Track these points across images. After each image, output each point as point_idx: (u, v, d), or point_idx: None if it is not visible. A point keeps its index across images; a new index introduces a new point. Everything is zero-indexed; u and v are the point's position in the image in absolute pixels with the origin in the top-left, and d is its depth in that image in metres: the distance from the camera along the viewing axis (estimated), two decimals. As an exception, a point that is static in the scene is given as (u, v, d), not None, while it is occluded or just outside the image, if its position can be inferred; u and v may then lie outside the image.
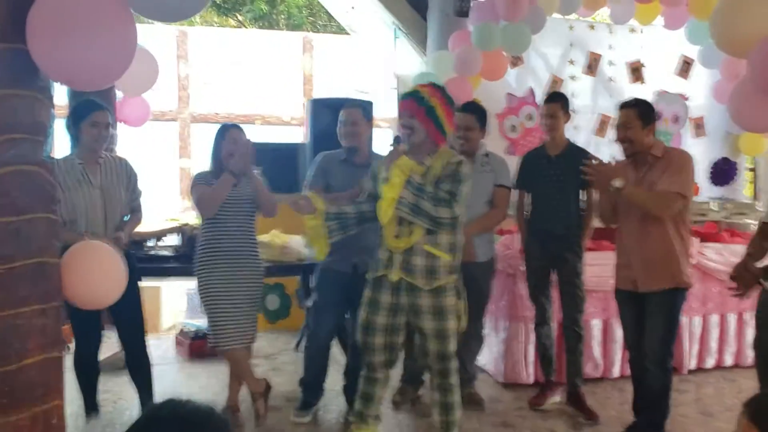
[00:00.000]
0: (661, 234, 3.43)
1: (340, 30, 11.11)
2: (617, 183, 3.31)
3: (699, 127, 6.16)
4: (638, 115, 3.44)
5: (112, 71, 1.90)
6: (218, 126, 3.76)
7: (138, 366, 3.68)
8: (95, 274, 2.04)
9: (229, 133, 3.61)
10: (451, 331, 3.10)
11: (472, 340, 4.19)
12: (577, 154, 4.12)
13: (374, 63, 7.89)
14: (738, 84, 2.93)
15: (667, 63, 6.08)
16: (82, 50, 1.81)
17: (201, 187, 3.57)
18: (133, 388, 3.69)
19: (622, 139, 3.50)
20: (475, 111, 4.06)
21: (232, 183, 3.50)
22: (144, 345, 3.70)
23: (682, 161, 3.43)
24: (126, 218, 3.62)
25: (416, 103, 3.04)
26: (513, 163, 4.32)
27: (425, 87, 3.12)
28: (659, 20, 5.68)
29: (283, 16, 15.41)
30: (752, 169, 6.53)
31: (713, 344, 4.87)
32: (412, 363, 4.16)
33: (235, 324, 3.56)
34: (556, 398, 4.18)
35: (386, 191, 3.04)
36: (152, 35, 10.35)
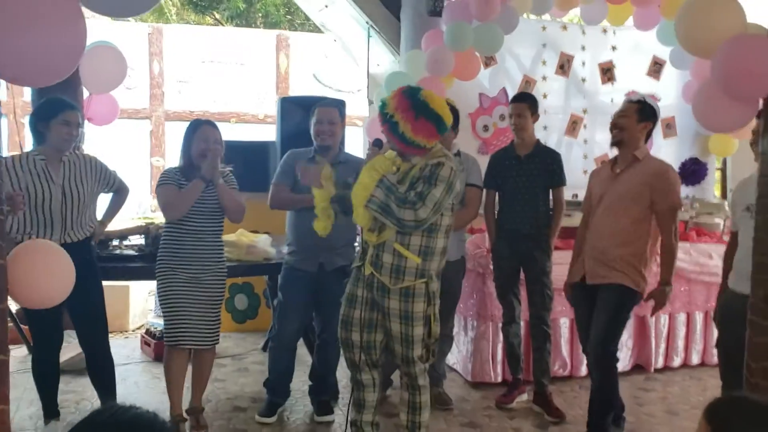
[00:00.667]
0: (632, 236, 3.46)
1: (317, 29, 11.07)
2: (668, 289, 3.45)
3: (669, 127, 6.20)
4: (636, 110, 3.53)
5: (59, 68, 1.85)
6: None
7: (100, 367, 3.62)
8: (41, 273, 1.99)
9: (200, 130, 3.51)
10: (417, 337, 3.03)
11: (441, 339, 4.17)
12: (545, 155, 4.14)
13: (350, 62, 7.86)
14: (702, 85, 2.94)
15: (639, 64, 6.11)
16: (28, 46, 1.76)
17: (168, 189, 3.46)
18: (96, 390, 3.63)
19: (613, 125, 3.57)
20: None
21: (201, 188, 3.44)
22: (106, 346, 3.64)
23: (668, 175, 3.49)
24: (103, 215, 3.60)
25: (380, 117, 2.98)
26: (485, 163, 4.31)
27: (393, 97, 2.97)
28: (631, 21, 5.70)
29: (260, 15, 15.32)
30: (720, 169, 6.59)
31: (680, 343, 4.91)
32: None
33: (193, 324, 3.48)
34: (524, 397, 4.18)
35: (356, 189, 3.00)
36: (125, 33, 10.28)
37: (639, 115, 3.51)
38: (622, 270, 3.43)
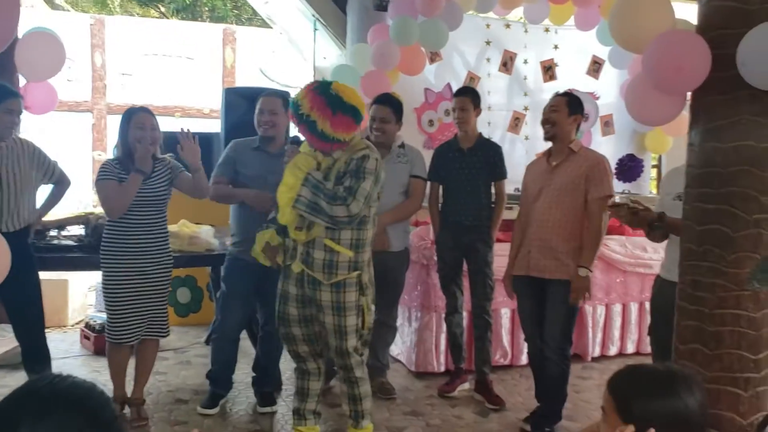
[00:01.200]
0: (575, 228, 3.55)
1: (265, 24, 10.97)
2: (583, 273, 3.48)
3: (608, 125, 6.38)
4: (566, 103, 3.64)
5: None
6: None
7: (35, 361, 3.53)
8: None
9: (136, 117, 3.45)
10: (350, 328, 3.04)
11: (385, 330, 4.22)
12: (488, 148, 4.22)
13: (298, 56, 7.83)
14: (633, 79, 3.05)
15: (579, 63, 6.27)
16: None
17: (107, 184, 3.39)
18: None
19: (545, 120, 3.67)
20: (390, 103, 4.08)
21: (140, 182, 3.38)
22: (42, 339, 3.56)
23: (603, 165, 3.58)
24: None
25: (295, 118, 2.94)
26: (430, 157, 4.36)
27: (306, 95, 2.90)
28: (572, 21, 5.85)
29: (206, 8, 15.11)
30: (656, 166, 6.82)
31: (616, 332, 5.06)
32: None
33: (138, 319, 3.46)
34: (466, 386, 4.26)
35: (281, 190, 2.97)
36: (66, 23, 10.01)
37: (569, 108, 3.63)
38: (570, 264, 3.52)
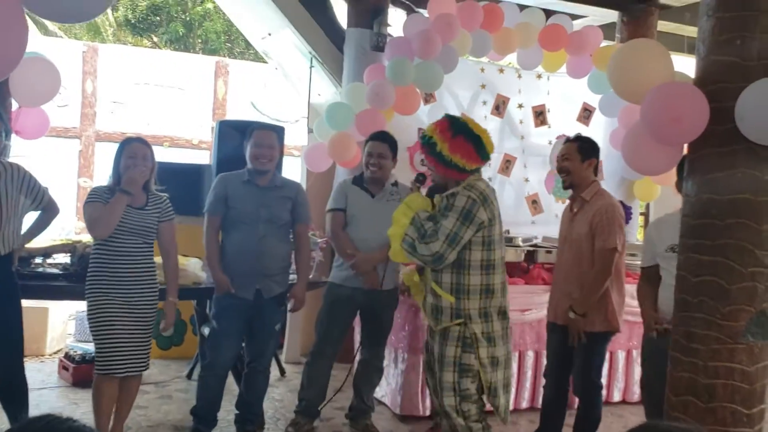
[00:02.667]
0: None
1: (257, 58, 11.04)
2: (571, 315, 3.50)
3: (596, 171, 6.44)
4: (578, 149, 3.66)
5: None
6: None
7: (12, 392, 3.43)
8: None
9: (129, 147, 3.45)
10: (446, 384, 2.91)
11: (371, 371, 4.16)
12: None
13: (290, 91, 7.86)
14: (631, 129, 3.08)
15: (570, 109, 6.35)
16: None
17: (94, 206, 3.36)
18: (5, 415, 3.43)
19: (559, 170, 3.70)
20: (387, 140, 4.13)
21: (126, 202, 3.35)
22: (21, 369, 3.47)
23: (609, 213, 3.57)
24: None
25: (423, 145, 2.98)
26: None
27: (435, 124, 2.95)
28: (564, 69, 5.94)
29: (200, 41, 15.22)
30: (643, 214, 6.87)
31: (602, 380, 5.01)
32: (308, 394, 4.08)
33: (126, 350, 3.38)
34: (451, 431, 4.18)
35: (392, 228, 3.00)
36: (58, 49, 10.01)
37: (581, 153, 3.63)
38: (601, 316, 3.59)
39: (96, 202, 3.38)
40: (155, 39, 15.23)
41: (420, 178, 3.26)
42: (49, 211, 3.62)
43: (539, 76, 6.23)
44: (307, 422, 4.09)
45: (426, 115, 5.95)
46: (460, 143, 2.86)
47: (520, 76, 6.18)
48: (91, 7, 1.88)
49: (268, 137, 3.72)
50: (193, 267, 4.13)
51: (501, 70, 6.17)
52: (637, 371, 5.12)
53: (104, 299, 3.35)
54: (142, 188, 3.45)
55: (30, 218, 3.62)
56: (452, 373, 2.90)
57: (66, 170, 10.02)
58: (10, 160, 4.31)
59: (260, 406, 3.93)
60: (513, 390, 4.59)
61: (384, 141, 4.08)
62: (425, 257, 2.83)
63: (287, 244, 3.84)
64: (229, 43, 15.25)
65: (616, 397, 5.09)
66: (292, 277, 3.98)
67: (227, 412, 4.00)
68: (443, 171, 2.92)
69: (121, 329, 3.36)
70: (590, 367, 3.66)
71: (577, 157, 3.63)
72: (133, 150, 3.43)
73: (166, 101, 10.89)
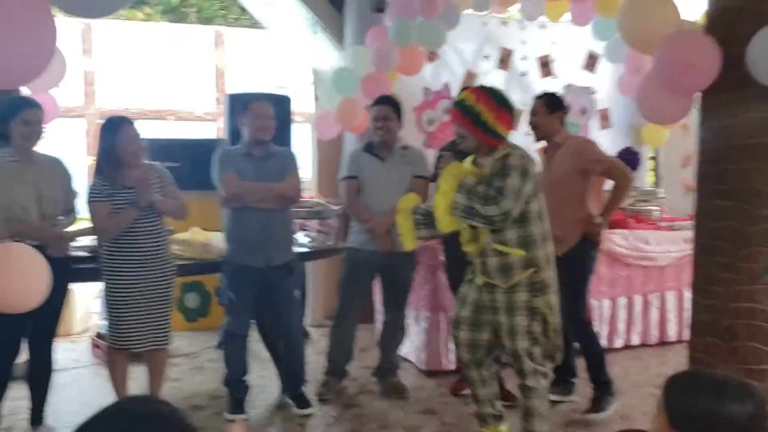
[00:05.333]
0: (566, 216, 3.72)
1: (254, 24, 10.92)
2: (598, 220, 3.80)
3: (605, 118, 6.45)
4: (543, 104, 3.90)
5: (30, 69, 1.82)
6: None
7: (41, 373, 3.52)
8: (14, 277, 1.96)
9: (125, 129, 3.42)
10: (520, 328, 3.00)
11: (395, 330, 4.27)
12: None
13: (290, 58, 7.81)
14: (644, 79, 3.09)
15: (575, 58, 6.33)
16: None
17: (99, 207, 3.39)
18: (28, 396, 3.54)
19: (531, 126, 3.98)
20: (391, 102, 4.17)
21: (136, 215, 3.39)
22: (51, 352, 3.56)
23: (585, 145, 3.93)
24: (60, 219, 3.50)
25: (460, 111, 3.04)
26: (431, 156, 4.41)
27: (471, 92, 3.06)
28: (567, 16, 5.90)
29: (193, 10, 15.06)
30: (653, 158, 6.90)
31: (621, 326, 5.12)
32: (336, 356, 4.19)
33: (142, 326, 3.46)
34: (478, 383, 4.30)
35: (437, 200, 3.06)
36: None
37: (547, 107, 3.88)
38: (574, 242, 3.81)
39: (100, 202, 3.39)
40: (148, 11, 15.07)
41: (451, 148, 3.32)
42: (68, 214, 3.59)
43: (543, 26, 6.20)
44: (336, 382, 4.22)
45: (430, 74, 5.95)
46: (503, 114, 3.02)
47: (523, 28, 6.15)
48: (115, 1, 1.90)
49: (267, 108, 3.77)
50: (218, 241, 4.20)
51: (504, 23, 6.14)
52: (654, 314, 5.22)
53: (119, 277, 3.42)
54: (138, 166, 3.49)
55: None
56: (525, 318, 3.01)
57: (74, 151, 10.05)
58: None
59: (304, 368, 4.02)
60: None
61: (387, 104, 4.13)
62: (494, 217, 2.92)
63: (289, 211, 3.92)
64: (223, 10, 15.08)
65: (635, 341, 5.19)
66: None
67: (258, 378, 4.11)
68: (484, 138, 3.03)
69: (137, 305, 3.43)
70: (576, 308, 3.82)
71: (544, 110, 3.87)
72: (128, 132, 3.43)
73: (166, 75, 10.84)
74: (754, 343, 2.65)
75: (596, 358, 3.94)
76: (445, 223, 3.06)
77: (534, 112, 3.93)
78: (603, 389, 3.90)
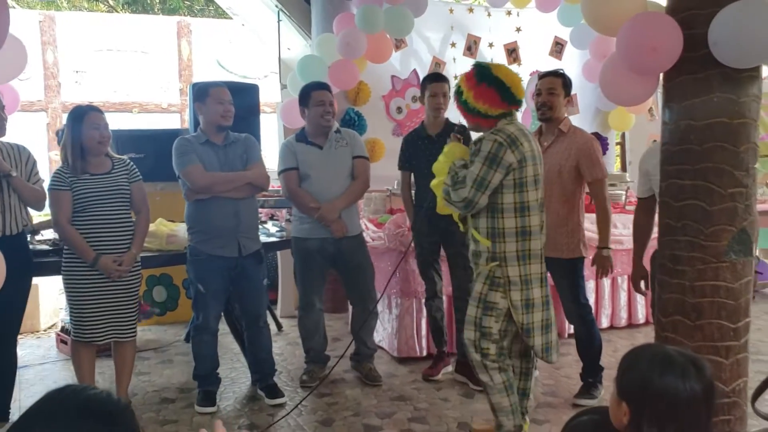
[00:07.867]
0: (564, 210, 3.69)
1: (219, 14, 10.79)
2: (605, 253, 3.69)
3: (571, 104, 6.48)
4: (562, 85, 3.69)
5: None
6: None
7: (4, 369, 3.44)
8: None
9: (89, 116, 3.41)
10: (468, 317, 2.95)
11: (366, 316, 4.25)
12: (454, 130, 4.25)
13: (257, 47, 7.73)
14: (607, 61, 3.10)
15: (542, 44, 6.36)
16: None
17: (60, 195, 3.36)
18: None
19: (543, 104, 3.67)
20: (327, 87, 4.16)
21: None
22: (14, 346, 3.49)
23: (592, 148, 3.64)
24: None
25: (455, 94, 2.98)
26: (399, 145, 4.39)
27: (465, 74, 2.94)
28: (533, 3, 5.92)
29: (157, 0, 14.82)
30: (620, 143, 6.97)
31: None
32: (312, 344, 4.17)
33: (106, 318, 3.43)
34: (449, 368, 4.32)
35: (435, 180, 3.05)
36: (13, 20, 9.72)
37: (565, 89, 3.70)
38: (562, 247, 3.70)
39: (60, 190, 3.36)
40: (111, 2, 14.80)
41: (461, 130, 3.28)
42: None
43: (509, 13, 6.21)
44: (320, 368, 4.21)
45: (398, 62, 5.93)
46: (483, 90, 2.86)
47: (489, 15, 6.16)
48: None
49: (227, 94, 3.73)
50: (183, 232, 4.13)
51: (470, 10, 6.14)
52: (622, 297, 5.29)
53: (76, 268, 3.38)
54: (105, 155, 3.48)
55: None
56: (476, 309, 2.96)
57: (35, 145, 9.86)
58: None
59: (272, 357, 4.00)
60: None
61: (326, 89, 4.12)
62: (457, 203, 2.89)
63: (255, 199, 3.89)
64: (188, 1, 14.87)
65: (604, 323, 5.25)
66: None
67: (229, 370, 4.08)
68: (470, 119, 2.97)
69: (98, 296, 3.39)
70: (578, 292, 3.79)
71: (562, 92, 3.68)
72: (95, 120, 3.41)
73: (129, 66, 10.67)
74: (719, 320, 2.68)
75: (598, 344, 3.87)
76: (441, 205, 3.05)
77: (552, 91, 3.65)
78: (596, 376, 3.86)
